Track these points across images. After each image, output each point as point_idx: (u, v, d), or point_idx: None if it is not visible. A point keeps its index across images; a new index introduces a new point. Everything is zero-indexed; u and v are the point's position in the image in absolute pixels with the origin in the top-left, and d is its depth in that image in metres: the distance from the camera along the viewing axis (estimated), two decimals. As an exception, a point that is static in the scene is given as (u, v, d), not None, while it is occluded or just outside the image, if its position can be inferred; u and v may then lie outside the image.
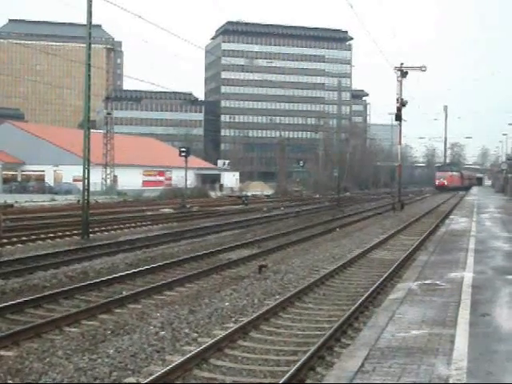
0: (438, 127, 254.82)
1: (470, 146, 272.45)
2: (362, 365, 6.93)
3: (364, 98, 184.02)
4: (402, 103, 48.35)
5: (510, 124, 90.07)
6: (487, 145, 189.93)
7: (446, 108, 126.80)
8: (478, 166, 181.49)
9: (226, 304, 13.23)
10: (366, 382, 6.38)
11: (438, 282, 12.38)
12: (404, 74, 48.80)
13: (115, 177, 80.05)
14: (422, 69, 49.01)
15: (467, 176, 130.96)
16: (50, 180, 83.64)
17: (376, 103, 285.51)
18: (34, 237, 25.82)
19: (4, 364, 9.06)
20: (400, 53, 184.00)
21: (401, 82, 48.55)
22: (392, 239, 26.55)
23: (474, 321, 8.98)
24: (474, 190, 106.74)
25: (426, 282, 12.49)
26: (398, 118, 48.82)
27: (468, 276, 13.05)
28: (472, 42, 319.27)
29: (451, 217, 35.59)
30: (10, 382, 8.34)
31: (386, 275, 15.87)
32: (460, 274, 13.44)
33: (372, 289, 14.08)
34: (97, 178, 66.79)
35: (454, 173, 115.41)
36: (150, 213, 42.03)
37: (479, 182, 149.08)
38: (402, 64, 48.90)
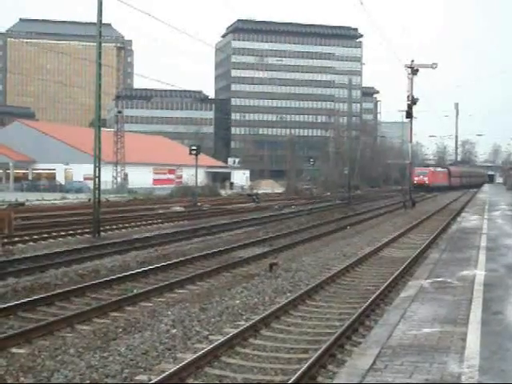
0: (449, 124, 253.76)
1: (481, 143, 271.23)
2: (374, 362, 6.92)
3: (374, 96, 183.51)
4: (413, 101, 48.20)
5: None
6: (499, 142, 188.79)
7: (456, 105, 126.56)
8: (489, 164, 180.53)
9: (237, 302, 13.24)
10: (377, 379, 6.36)
11: (449, 280, 12.33)
12: (415, 72, 48.62)
13: (126, 175, 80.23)
14: (433, 66, 48.81)
15: (458, 173, 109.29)
16: (60, 178, 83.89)
17: (387, 100, 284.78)
18: (45, 235, 25.94)
19: (16, 361, 9.11)
20: (410, 49, 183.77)
21: (411, 80, 48.39)
22: (403, 237, 26.49)
23: (485, 319, 8.94)
24: (485, 187, 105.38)
25: (438, 279, 12.44)
26: (409, 115, 48.70)
27: (480, 274, 13.00)
28: (481, 39, 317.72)
29: (462, 214, 35.47)
30: (23, 379, 8.38)
31: (397, 273, 15.84)
32: (472, 271, 13.38)
33: (383, 287, 14.05)
34: (107, 176, 67.03)
35: (438, 169, 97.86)
36: (160, 211, 42.09)
37: (491, 179, 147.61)
38: (412, 61, 48.72)
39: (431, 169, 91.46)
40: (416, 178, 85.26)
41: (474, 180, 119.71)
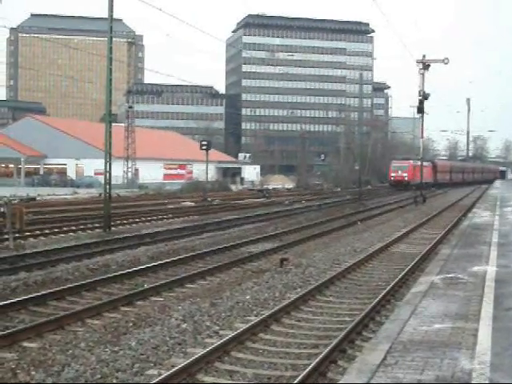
0: (460, 120, 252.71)
1: (493, 139, 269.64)
2: (385, 358, 6.89)
3: (386, 91, 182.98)
4: (424, 96, 47.99)
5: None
6: (511, 138, 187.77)
7: (468, 101, 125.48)
8: (501, 159, 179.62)
9: (248, 297, 13.23)
10: (388, 375, 6.34)
11: (460, 276, 12.26)
12: (426, 67, 48.36)
13: (136, 170, 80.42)
14: (445, 61, 48.45)
15: (447, 168, 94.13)
16: (71, 173, 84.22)
17: (398, 95, 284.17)
18: (56, 230, 26.00)
19: (28, 355, 9.14)
20: (421, 45, 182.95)
21: (423, 75, 48.13)
22: (414, 233, 26.41)
23: (497, 315, 8.89)
24: (497, 183, 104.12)
25: (449, 275, 12.38)
26: (420, 111, 48.50)
27: (491, 270, 12.92)
28: (493, 34, 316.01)
29: (474, 210, 35.28)
30: (34, 373, 8.41)
31: (408, 269, 15.79)
32: (483, 267, 13.30)
33: (394, 282, 14.01)
34: (118, 171, 67.18)
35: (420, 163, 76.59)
36: (171, 206, 42.13)
37: (502, 175, 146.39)
38: (424, 56, 48.44)
39: (411, 162, 72.58)
40: (393, 174, 76.57)
41: (475, 176, 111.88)
